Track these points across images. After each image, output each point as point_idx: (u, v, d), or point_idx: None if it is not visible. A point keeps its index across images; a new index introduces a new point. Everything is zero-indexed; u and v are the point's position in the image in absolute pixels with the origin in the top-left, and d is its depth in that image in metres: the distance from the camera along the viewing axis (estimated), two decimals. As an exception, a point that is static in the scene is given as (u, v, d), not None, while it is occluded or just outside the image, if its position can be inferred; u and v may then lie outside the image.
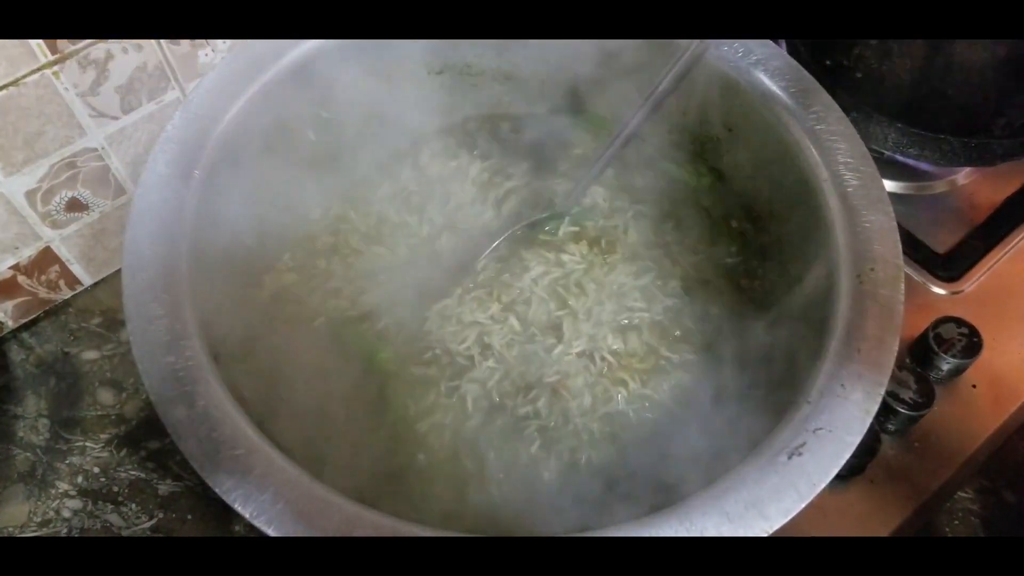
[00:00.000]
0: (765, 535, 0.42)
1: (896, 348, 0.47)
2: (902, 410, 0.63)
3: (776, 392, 0.50)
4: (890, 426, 0.65)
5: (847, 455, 0.44)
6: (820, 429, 0.45)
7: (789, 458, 0.44)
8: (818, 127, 0.56)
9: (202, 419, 0.45)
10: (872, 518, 0.62)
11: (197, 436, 0.45)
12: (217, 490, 0.43)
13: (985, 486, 0.66)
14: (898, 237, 0.52)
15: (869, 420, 0.45)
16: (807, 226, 0.55)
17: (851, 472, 0.63)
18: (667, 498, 0.44)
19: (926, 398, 0.64)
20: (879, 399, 0.46)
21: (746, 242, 0.65)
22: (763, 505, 0.43)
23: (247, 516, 0.42)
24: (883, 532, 0.62)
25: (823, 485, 0.43)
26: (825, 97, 0.58)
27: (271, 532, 0.42)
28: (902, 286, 0.50)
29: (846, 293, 0.50)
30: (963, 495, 0.66)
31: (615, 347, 0.60)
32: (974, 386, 0.69)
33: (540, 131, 0.71)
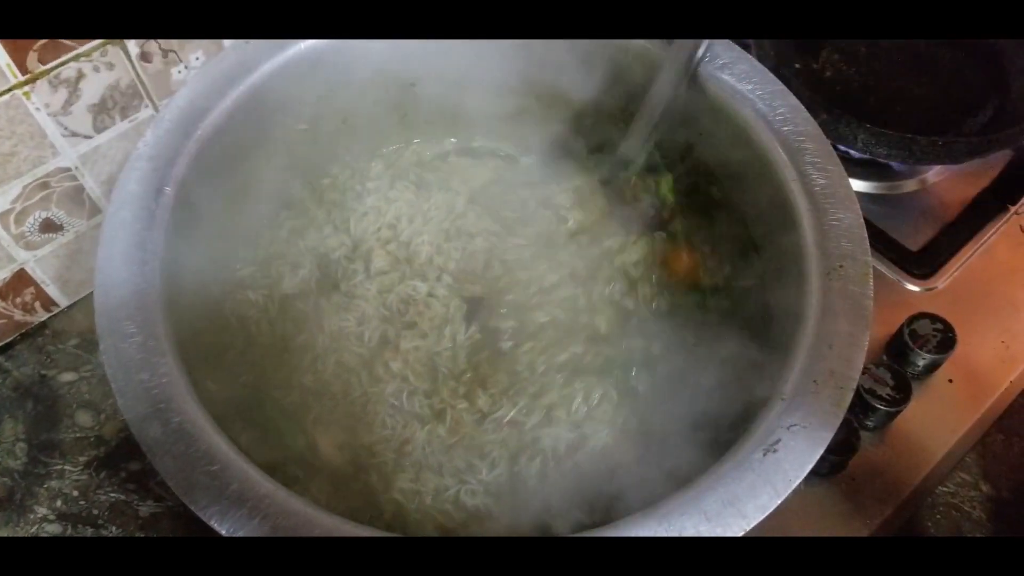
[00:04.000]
0: (743, 532, 0.42)
1: (866, 343, 0.48)
2: (880, 406, 0.64)
3: (748, 392, 0.50)
4: (869, 423, 0.66)
5: (821, 450, 0.44)
6: (794, 426, 0.45)
7: (764, 455, 0.44)
8: (785, 128, 0.57)
9: (177, 436, 0.45)
10: (855, 515, 0.63)
11: (172, 453, 0.44)
12: (193, 507, 0.43)
13: (965, 480, 0.67)
14: (866, 234, 0.52)
15: (842, 415, 0.45)
16: (776, 226, 0.56)
17: (832, 470, 0.64)
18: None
19: (903, 394, 0.64)
20: (851, 394, 0.46)
21: (715, 243, 0.65)
22: (740, 503, 0.43)
23: (223, 533, 0.42)
24: (866, 529, 0.62)
25: (799, 481, 0.43)
26: (791, 99, 0.58)
27: (248, 547, 0.41)
28: (871, 282, 0.50)
29: (816, 291, 0.50)
30: (944, 489, 0.66)
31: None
32: (950, 381, 0.69)
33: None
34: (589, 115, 0.70)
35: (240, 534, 0.42)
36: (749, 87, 0.59)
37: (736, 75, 0.60)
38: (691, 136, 0.65)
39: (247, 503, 0.43)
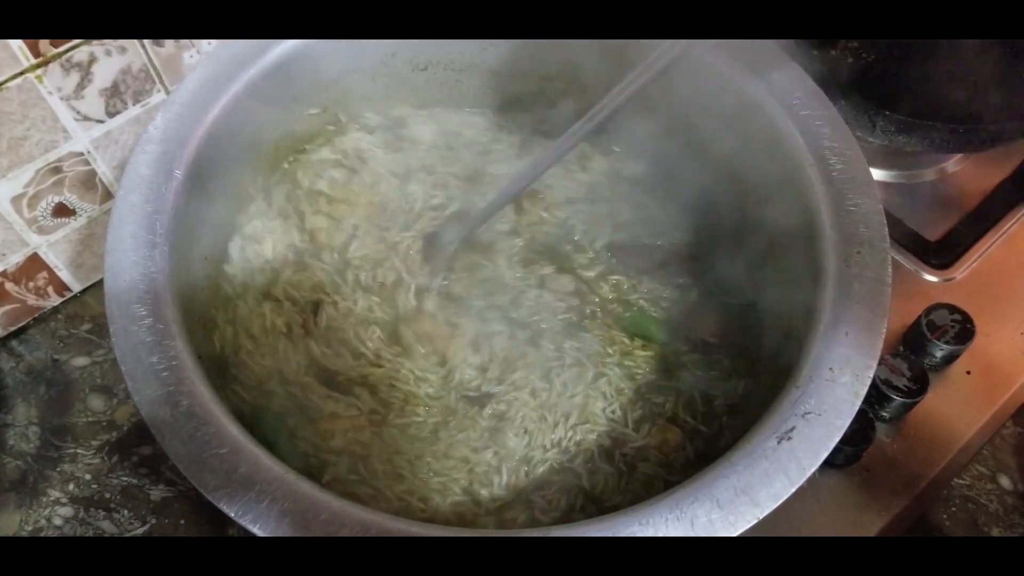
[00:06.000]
0: (755, 521, 0.41)
1: (884, 330, 0.47)
2: (896, 397, 0.63)
3: (765, 377, 0.50)
4: (885, 414, 0.65)
5: (837, 438, 0.44)
6: (809, 413, 0.44)
7: (779, 443, 0.43)
8: (803, 112, 0.56)
9: (186, 419, 0.45)
10: (869, 507, 0.62)
11: (181, 436, 0.44)
12: (201, 490, 0.43)
13: (982, 473, 0.66)
14: (884, 220, 0.52)
15: (858, 403, 0.45)
16: (793, 211, 0.55)
17: (847, 461, 0.63)
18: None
19: (920, 385, 0.64)
20: (868, 381, 0.45)
21: (732, 229, 0.64)
22: (753, 491, 0.42)
23: (232, 515, 0.42)
24: (880, 521, 0.62)
25: (813, 469, 0.43)
26: (809, 83, 0.58)
27: (256, 530, 0.41)
28: (889, 268, 0.49)
29: (833, 277, 0.50)
30: (960, 482, 0.65)
31: None
32: (968, 372, 0.68)
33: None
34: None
35: (248, 516, 0.42)
36: (766, 70, 0.58)
37: (753, 59, 0.59)
38: (706, 120, 0.64)
39: (255, 486, 0.42)
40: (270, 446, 0.53)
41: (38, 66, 0.58)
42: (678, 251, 0.66)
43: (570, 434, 0.57)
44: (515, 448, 0.57)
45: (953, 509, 0.64)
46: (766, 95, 0.57)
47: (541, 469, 0.56)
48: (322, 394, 0.58)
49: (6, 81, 0.57)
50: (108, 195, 0.70)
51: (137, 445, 0.67)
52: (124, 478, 0.66)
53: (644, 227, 0.68)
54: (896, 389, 0.63)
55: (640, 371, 0.60)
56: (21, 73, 0.58)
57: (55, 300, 0.74)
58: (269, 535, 0.41)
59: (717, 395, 0.58)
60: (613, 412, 0.58)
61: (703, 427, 0.57)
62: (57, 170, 0.65)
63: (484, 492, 0.55)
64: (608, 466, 0.56)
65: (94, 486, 0.65)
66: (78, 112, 0.63)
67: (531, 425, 0.57)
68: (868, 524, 0.61)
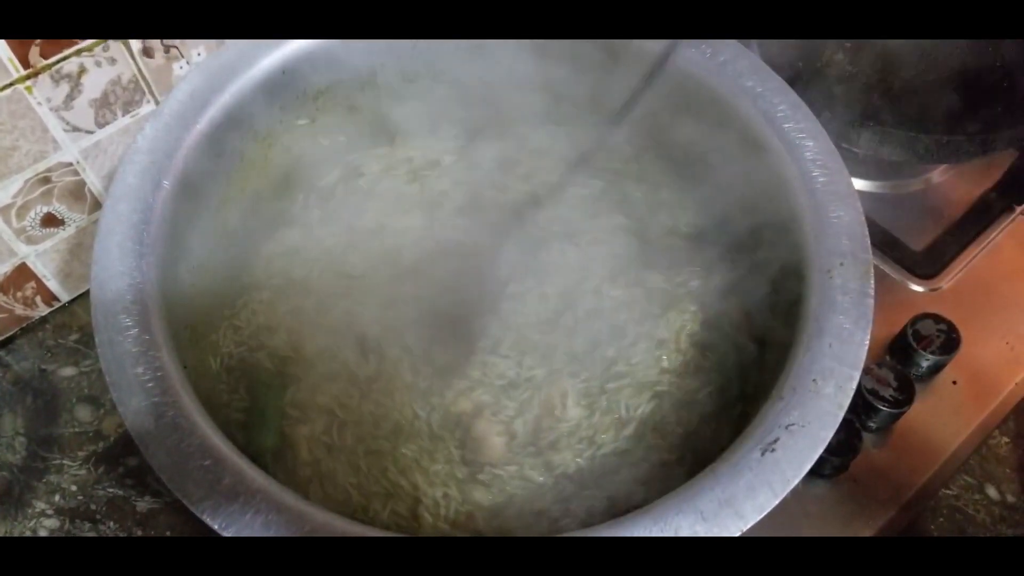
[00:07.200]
0: (740, 533, 0.42)
1: (867, 341, 0.47)
2: (883, 408, 0.63)
3: (747, 389, 0.50)
4: (871, 424, 0.65)
5: (820, 450, 0.44)
6: (793, 425, 0.44)
7: (762, 455, 0.44)
8: (785, 125, 0.56)
9: (170, 430, 0.45)
10: (856, 517, 0.62)
11: (166, 447, 0.44)
12: (185, 501, 0.42)
13: (969, 483, 0.66)
14: (867, 231, 0.52)
15: (842, 414, 0.45)
16: (776, 223, 0.55)
17: (834, 471, 0.63)
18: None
19: (906, 395, 0.64)
20: (851, 392, 0.46)
21: (714, 242, 0.65)
22: (737, 503, 0.42)
23: (215, 527, 0.42)
24: (868, 531, 0.62)
25: (797, 481, 0.43)
26: (792, 96, 0.58)
27: (240, 542, 0.41)
28: (871, 279, 0.50)
29: (816, 288, 0.50)
30: (947, 492, 0.65)
31: None
32: (954, 382, 0.69)
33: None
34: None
35: (232, 529, 0.42)
36: (750, 84, 0.59)
37: (737, 71, 0.60)
38: (691, 133, 0.64)
39: (240, 497, 0.42)
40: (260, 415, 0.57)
41: (28, 77, 0.58)
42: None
43: (543, 479, 0.56)
44: (480, 500, 0.55)
45: (940, 519, 0.64)
46: (749, 108, 0.58)
47: (508, 511, 0.55)
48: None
49: (-5, 92, 0.58)
50: (97, 205, 0.70)
51: (124, 456, 0.67)
52: (110, 489, 0.65)
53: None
54: (882, 399, 0.63)
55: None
56: (11, 84, 0.58)
57: (43, 310, 0.74)
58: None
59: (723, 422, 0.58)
60: (615, 441, 0.58)
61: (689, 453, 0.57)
62: (46, 180, 0.65)
63: (427, 516, 0.54)
64: (573, 485, 0.55)
65: (80, 497, 0.65)
66: (68, 123, 0.63)
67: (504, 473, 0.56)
68: (855, 534, 0.61)
